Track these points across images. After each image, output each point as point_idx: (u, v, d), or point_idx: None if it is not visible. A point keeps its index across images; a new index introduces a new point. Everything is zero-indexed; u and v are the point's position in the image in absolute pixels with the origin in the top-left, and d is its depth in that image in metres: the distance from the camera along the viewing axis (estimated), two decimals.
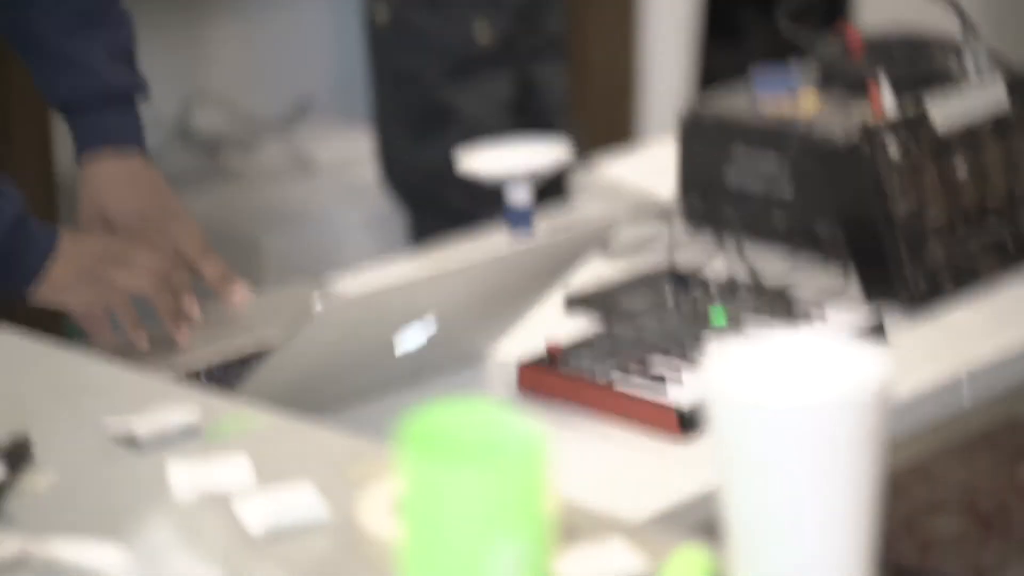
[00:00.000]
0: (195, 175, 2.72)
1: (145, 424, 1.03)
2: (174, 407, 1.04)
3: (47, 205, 2.50)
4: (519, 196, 1.86)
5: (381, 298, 1.29)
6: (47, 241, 1.41)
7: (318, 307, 1.22)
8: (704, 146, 1.81)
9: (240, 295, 1.50)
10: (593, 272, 1.74)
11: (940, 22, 1.86)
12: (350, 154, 2.75)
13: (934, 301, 1.64)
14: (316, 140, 2.82)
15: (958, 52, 1.81)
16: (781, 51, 3.53)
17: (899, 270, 1.62)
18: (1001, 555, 2.50)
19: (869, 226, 1.62)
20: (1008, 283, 1.70)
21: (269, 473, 0.97)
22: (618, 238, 1.83)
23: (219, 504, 0.93)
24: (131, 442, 1.03)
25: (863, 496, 0.79)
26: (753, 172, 1.77)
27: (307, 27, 2.99)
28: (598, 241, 1.48)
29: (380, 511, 0.90)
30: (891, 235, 1.62)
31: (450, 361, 1.50)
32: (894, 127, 1.64)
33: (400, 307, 1.32)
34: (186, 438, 1.03)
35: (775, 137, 1.75)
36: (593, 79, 3.06)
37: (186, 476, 0.97)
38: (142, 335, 1.44)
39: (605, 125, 3.09)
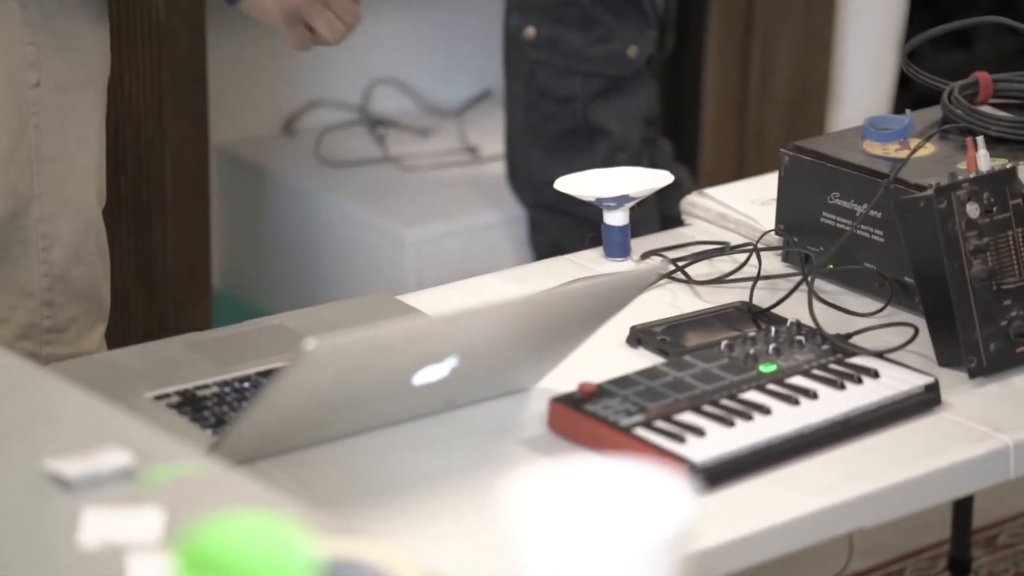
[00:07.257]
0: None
1: (77, 466, 1.05)
2: (111, 449, 1.08)
3: None
4: (614, 219, 1.87)
5: (378, 341, 1.31)
6: None
7: (308, 348, 1.26)
8: (802, 184, 1.79)
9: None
10: (673, 301, 1.74)
11: None
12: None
13: (1002, 367, 1.59)
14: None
15: None
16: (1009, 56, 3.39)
17: (968, 334, 1.57)
18: None
19: (941, 284, 1.58)
20: None
21: (185, 526, 1.00)
22: (711, 266, 1.82)
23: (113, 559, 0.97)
24: (62, 483, 1.07)
25: None
26: (846, 213, 1.75)
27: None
28: (643, 287, 1.49)
29: None
30: (962, 296, 1.57)
31: (488, 392, 1.53)
32: (977, 183, 1.59)
33: (407, 349, 1.35)
34: (118, 482, 1.06)
35: (867, 181, 1.72)
36: (777, 82, 3.02)
37: (97, 525, 1.01)
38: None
39: (796, 127, 3.04)
